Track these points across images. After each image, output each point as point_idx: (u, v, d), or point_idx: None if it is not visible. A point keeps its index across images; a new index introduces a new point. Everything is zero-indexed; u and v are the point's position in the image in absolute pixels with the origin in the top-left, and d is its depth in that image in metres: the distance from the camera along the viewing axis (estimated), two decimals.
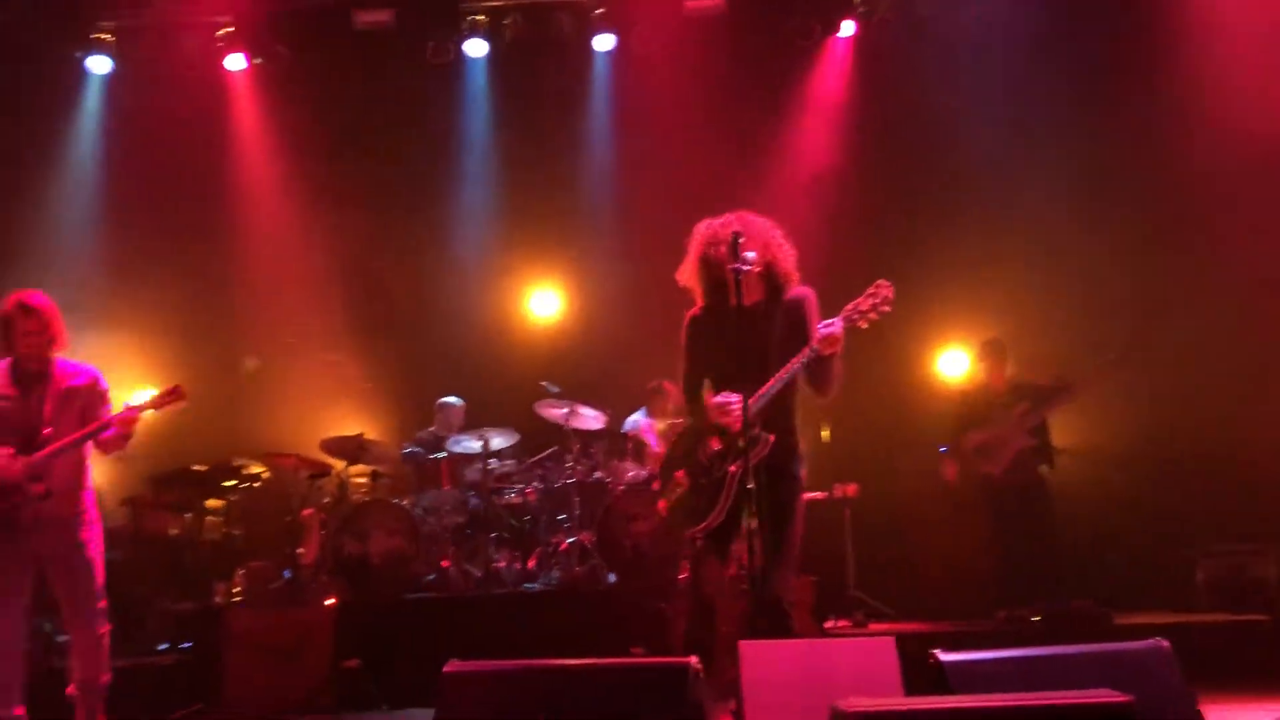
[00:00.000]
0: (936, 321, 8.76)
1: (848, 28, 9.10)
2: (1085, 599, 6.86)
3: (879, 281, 4.23)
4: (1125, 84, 8.46)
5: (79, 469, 4.81)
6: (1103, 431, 7.90)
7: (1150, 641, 3.31)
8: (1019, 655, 3.22)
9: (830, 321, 4.16)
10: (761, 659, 3.16)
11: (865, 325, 4.18)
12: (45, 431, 4.66)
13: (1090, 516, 7.96)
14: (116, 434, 4.67)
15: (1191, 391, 8.02)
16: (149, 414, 4.72)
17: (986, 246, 8.63)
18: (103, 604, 4.78)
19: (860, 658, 3.23)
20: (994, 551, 7.52)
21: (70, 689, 4.76)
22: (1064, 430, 7.65)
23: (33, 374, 4.77)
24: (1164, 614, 7.41)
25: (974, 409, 7.55)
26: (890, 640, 3.28)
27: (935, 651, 3.17)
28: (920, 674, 3.34)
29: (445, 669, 3.26)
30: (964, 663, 3.12)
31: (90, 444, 4.76)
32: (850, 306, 4.20)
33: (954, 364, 9.11)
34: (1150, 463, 8.20)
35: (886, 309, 4.18)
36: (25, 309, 4.71)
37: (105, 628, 4.78)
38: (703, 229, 4.47)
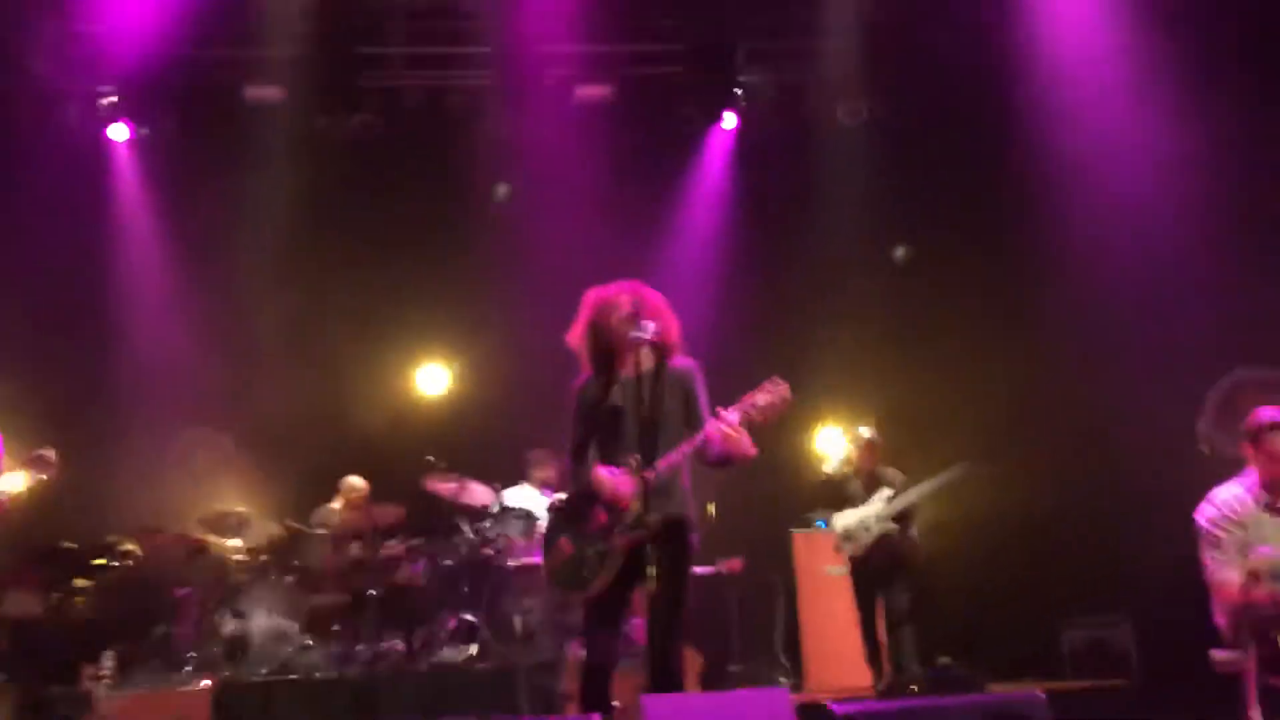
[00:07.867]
0: (815, 399, 9.04)
1: (730, 119, 9.54)
2: (960, 669, 7.07)
3: (774, 378, 4.13)
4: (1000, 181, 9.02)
5: None
6: (970, 507, 8.21)
7: (1027, 691, 3.50)
8: (907, 705, 3.37)
9: (728, 414, 4.08)
10: (664, 713, 3.23)
11: (762, 421, 4.08)
12: None
13: (961, 590, 8.25)
14: None
15: (1058, 469, 8.46)
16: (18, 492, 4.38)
17: (861, 330, 9.04)
18: None
19: (758, 709, 3.33)
20: (868, 626, 7.64)
21: None
22: (935, 505, 7.78)
23: None
24: (1033, 683, 7.69)
25: (839, 494, 7.70)
26: (785, 690, 3.41)
27: (828, 703, 3.30)
28: None
29: None
30: (858, 714, 3.25)
31: None
32: (747, 399, 4.12)
33: (830, 442, 9.43)
34: (1017, 540, 8.56)
35: (783, 408, 4.10)
36: None
37: None
38: (594, 296, 4.48)
